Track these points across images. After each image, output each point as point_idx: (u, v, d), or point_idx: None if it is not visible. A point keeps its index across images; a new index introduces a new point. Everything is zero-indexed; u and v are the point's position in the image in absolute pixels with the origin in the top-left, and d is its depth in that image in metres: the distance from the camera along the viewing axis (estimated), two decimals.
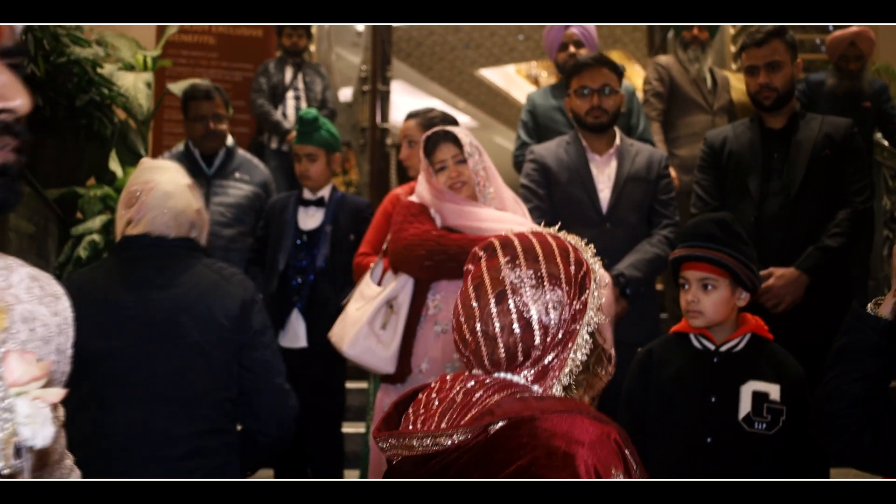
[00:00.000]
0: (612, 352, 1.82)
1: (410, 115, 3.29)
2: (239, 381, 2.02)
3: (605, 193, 3.10)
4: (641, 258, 2.97)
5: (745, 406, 2.16)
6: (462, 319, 1.25)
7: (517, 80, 14.34)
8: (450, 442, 1.13)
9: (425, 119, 3.16)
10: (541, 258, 1.23)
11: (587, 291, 1.25)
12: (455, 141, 2.65)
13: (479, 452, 1.12)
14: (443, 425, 1.19)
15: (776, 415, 2.14)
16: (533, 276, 1.21)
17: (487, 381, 1.21)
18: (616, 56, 12.63)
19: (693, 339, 2.30)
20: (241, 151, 3.85)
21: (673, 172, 4.06)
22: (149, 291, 1.97)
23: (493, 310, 1.20)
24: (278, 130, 5.47)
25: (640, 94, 4.56)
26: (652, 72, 4.64)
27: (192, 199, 2.09)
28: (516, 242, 1.26)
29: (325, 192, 3.66)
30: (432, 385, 1.30)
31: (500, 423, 1.12)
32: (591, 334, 1.26)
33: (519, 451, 1.08)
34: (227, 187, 3.67)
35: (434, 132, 2.67)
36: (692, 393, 2.22)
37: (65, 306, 1.20)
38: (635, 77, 13.19)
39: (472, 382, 1.22)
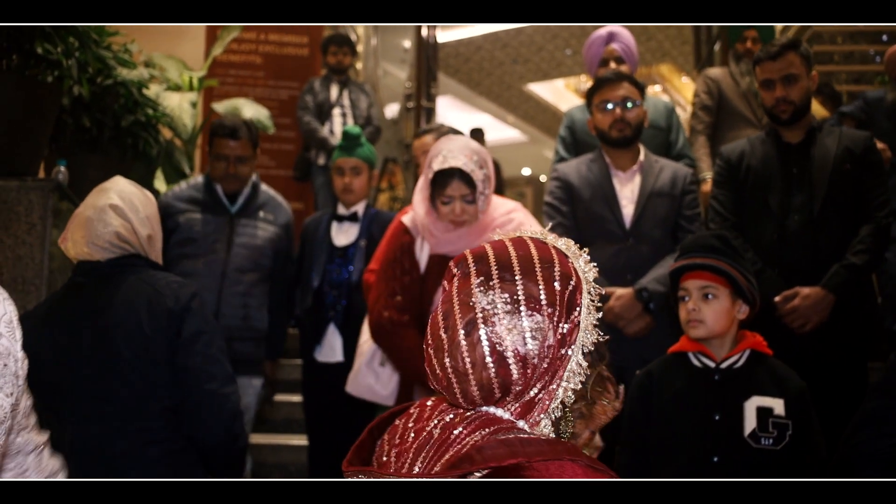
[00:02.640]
0: (622, 387, 1.62)
1: (424, 132, 3.30)
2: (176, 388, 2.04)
3: (628, 209, 3.07)
4: (665, 273, 2.91)
5: (750, 422, 2.13)
6: (432, 352, 1.08)
7: (565, 95, 14.31)
8: None
9: (440, 135, 3.15)
10: (518, 276, 1.06)
11: (578, 309, 1.08)
12: (468, 180, 2.54)
13: None
14: (418, 464, 1.06)
15: (782, 429, 2.11)
16: (508, 300, 1.04)
17: (469, 414, 1.08)
18: (664, 69, 12.52)
19: (692, 357, 2.29)
20: (265, 188, 3.66)
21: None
22: (83, 317, 2.04)
23: (463, 342, 1.03)
24: (325, 147, 5.54)
25: (689, 108, 4.52)
26: (701, 84, 4.59)
27: (113, 219, 2.09)
28: (491, 257, 1.09)
29: (359, 208, 3.70)
30: (411, 411, 1.17)
31: (485, 472, 0.96)
32: (591, 354, 1.11)
33: None
34: (251, 227, 3.50)
35: (448, 168, 2.54)
36: (696, 412, 2.20)
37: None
38: (685, 90, 13.06)
39: (452, 416, 1.09)
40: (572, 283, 1.08)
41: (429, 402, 1.17)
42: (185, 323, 2.04)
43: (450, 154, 2.56)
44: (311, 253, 3.68)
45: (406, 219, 2.77)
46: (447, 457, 1.02)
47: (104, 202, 2.10)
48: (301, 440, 4.10)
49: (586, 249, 1.14)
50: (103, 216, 2.08)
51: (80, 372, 1.98)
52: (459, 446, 1.03)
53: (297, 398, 4.26)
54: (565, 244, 1.14)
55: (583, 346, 1.09)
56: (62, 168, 3.20)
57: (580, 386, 1.09)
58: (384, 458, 1.12)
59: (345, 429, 3.62)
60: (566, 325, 1.07)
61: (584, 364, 1.09)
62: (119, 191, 2.15)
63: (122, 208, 2.11)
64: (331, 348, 3.58)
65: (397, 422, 1.17)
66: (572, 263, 1.11)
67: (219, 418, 2.03)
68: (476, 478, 0.96)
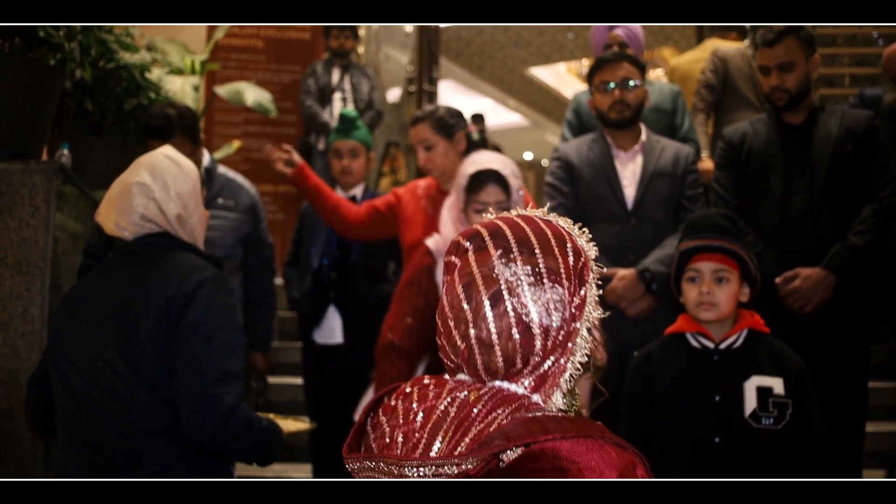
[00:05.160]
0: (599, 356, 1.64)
1: (418, 119, 3.17)
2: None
3: (629, 189, 3.06)
4: (668, 253, 2.91)
5: (750, 402, 2.14)
6: (451, 323, 1.08)
7: (567, 79, 14.27)
8: (456, 471, 0.97)
9: (434, 119, 3.09)
10: (537, 250, 1.08)
11: (586, 285, 1.11)
12: (504, 185, 2.51)
13: None
14: (437, 444, 1.03)
15: (782, 409, 2.12)
16: (530, 272, 1.06)
17: (483, 391, 1.07)
18: (667, 52, 12.48)
19: (690, 338, 2.29)
20: (222, 170, 3.40)
21: (711, 164, 3.98)
22: (98, 297, 1.98)
23: (489, 313, 1.05)
24: (326, 131, 5.55)
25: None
26: (709, 63, 4.56)
27: (137, 199, 1.99)
28: (507, 231, 1.10)
29: (357, 191, 3.71)
30: (407, 390, 1.14)
31: (519, 451, 0.95)
32: (589, 331, 1.12)
33: None
34: (209, 218, 3.24)
35: (486, 171, 2.52)
36: (696, 393, 2.20)
37: None
38: None
39: (465, 392, 1.07)
40: (582, 258, 1.11)
41: (426, 381, 1.15)
42: (186, 313, 1.90)
43: (484, 161, 2.55)
44: (311, 235, 3.69)
45: (430, 241, 2.72)
46: (472, 434, 1.01)
47: (130, 180, 2.01)
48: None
49: (585, 229, 1.16)
50: (128, 195, 2.00)
51: (88, 352, 1.93)
52: (483, 424, 1.02)
53: (300, 380, 4.29)
54: (566, 223, 1.16)
55: (587, 320, 1.11)
56: (65, 151, 3.21)
57: (586, 359, 1.11)
58: (386, 440, 1.09)
59: (346, 410, 3.64)
60: (577, 300, 1.09)
61: (589, 339, 1.11)
62: (151, 166, 2.04)
63: (148, 186, 2.00)
64: (330, 330, 3.60)
65: (393, 402, 1.14)
66: (578, 240, 1.14)
67: (206, 419, 1.87)
68: (509, 455, 0.96)
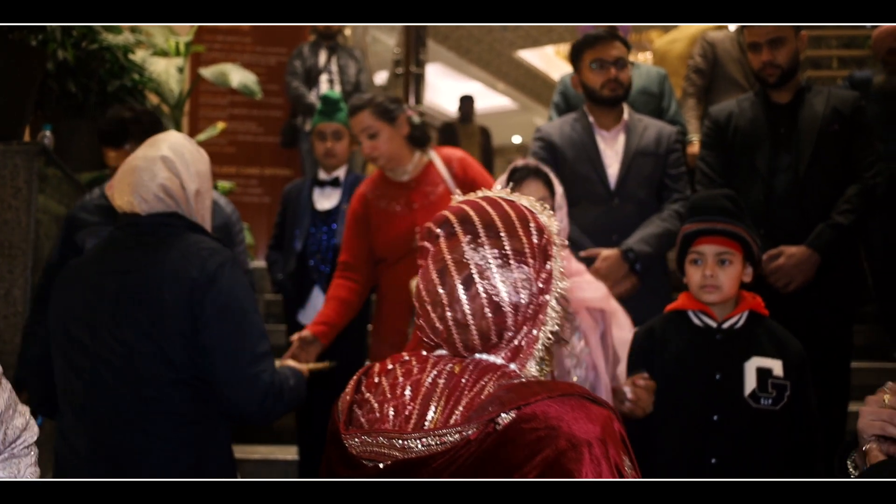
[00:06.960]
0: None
1: (358, 108, 3.00)
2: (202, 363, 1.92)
3: (613, 169, 3.06)
4: (651, 233, 2.93)
5: (750, 383, 2.16)
6: (428, 307, 1.18)
7: (556, 62, 14.22)
8: (458, 438, 1.05)
9: (375, 105, 2.96)
10: (503, 233, 1.17)
11: (551, 260, 1.20)
12: (547, 183, 2.36)
13: (489, 448, 1.03)
14: (430, 414, 1.13)
15: (781, 390, 2.15)
16: (498, 254, 1.15)
17: (466, 362, 1.17)
18: (655, 35, 12.47)
19: (693, 316, 2.29)
20: None
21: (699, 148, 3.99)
22: (109, 274, 1.97)
23: (462, 296, 1.15)
24: (313, 113, 5.51)
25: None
26: (698, 47, 4.56)
27: (161, 171, 2.02)
28: (474, 216, 1.19)
29: (340, 173, 3.71)
30: (389, 367, 1.23)
31: (512, 414, 1.04)
32: (558, 301, 1.21)
33: (538, 443, 1.02)
34: None
35: (526, 165, 2.39)
36: (697, 371, 2.22)
37: None
38: None
39: (450, 365, 1.17)
40: (545, 235, 1.21)
41: (406, 357, 1.23)
42: (210, 296, 1.90)
43: (526, 160, 2.46)
44: (294, 217, 3.68)
45: None
46: (464, 402, 1.11)
47: (155, 153, 2.04)
48: None
49: (547, 205, 1.26)
50: (152, 167, 2.02)
51: (98, 331, 1.92)
52: (473, 392, 1.12)
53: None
54: (529, 202, 1.25)
55: (556, 292, 1.21)
56: (47, 133, 3.19)
57: (556, 328, 1.21)
58: (376, 415, 1.17)
59: (331, 391, 3.63)
60: (544, 274, 1.19)
61: (559, 309, 1.21)
62: (171, 143, 2.09)
63: (172, 161, 2.04)
64: (315, 311, 3.58)
65: (376, 379, 1.22)
66: (540, 218, 1.23)
67: (249, 400, 1.93)
68: (504, 419, 1.04)
